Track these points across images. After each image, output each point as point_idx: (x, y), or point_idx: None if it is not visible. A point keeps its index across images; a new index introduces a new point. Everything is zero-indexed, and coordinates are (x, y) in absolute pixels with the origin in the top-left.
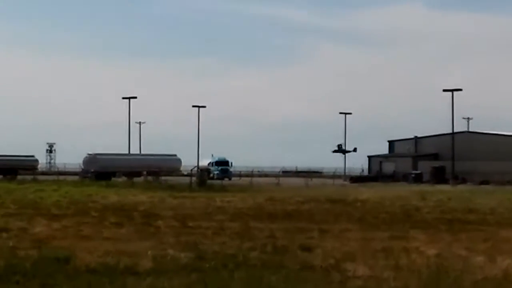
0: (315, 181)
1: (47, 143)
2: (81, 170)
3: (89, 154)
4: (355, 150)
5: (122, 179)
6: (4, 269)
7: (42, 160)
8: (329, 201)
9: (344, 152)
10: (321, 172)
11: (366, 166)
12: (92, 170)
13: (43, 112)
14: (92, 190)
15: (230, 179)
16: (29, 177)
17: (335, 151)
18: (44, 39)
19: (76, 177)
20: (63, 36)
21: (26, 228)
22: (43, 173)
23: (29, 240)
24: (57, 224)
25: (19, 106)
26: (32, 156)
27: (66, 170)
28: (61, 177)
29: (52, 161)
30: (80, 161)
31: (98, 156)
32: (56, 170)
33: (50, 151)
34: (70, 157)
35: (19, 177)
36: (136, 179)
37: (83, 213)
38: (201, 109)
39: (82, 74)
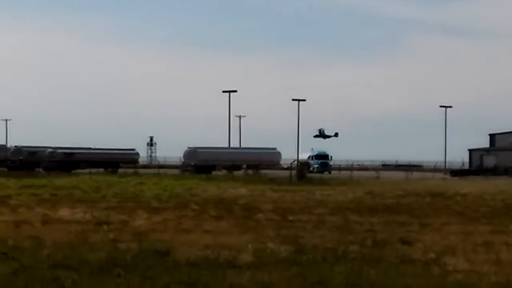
0: (415, 174)
1: (149, 136)
2: (181, 163)
3: (189, 148)
4: (336, 135)
5: (222, 172)
6: (105, 262)
7: (143, 154)
8: (429, 194)
9: (325, 137)
10: (421, 166)
11: (466, 160)
12: (193, 164)
13: (144, 105)
14: (192, 183)
15: (329, 172)
16: (130, 171)
17: (316, 136)
18: (143, 33)
19: (176, 171)
20: (163, 31)
21: (127, 221)
22: (144, 167)
23: (129, 233)
24: (158, 217)
25: (121, 100)
26: (133, 149)
27: (167, 163)
28: (162, 171)
29: (152, 154)
30: (181, 154)
31: (198, 150)
32: (157, 163)
33: (151, 145)
34: (171, 150)
35: (120, 170)
36: (236, 173)
37: (183, 206)
38: (300, 102)
39: (183, 68)
